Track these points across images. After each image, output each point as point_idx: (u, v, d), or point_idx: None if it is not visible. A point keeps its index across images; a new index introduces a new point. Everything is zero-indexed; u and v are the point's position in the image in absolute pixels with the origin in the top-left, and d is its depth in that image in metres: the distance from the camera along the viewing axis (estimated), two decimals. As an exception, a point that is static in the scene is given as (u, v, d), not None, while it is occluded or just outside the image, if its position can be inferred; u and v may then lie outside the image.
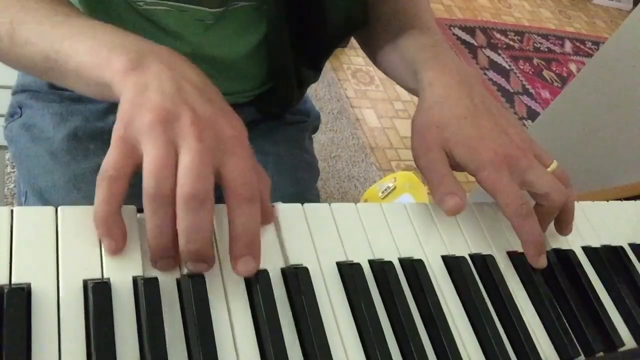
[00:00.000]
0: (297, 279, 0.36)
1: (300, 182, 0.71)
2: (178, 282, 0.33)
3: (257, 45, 0.63)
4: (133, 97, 0.34)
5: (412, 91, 0.56)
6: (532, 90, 2.43)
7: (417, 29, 0.59)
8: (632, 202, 0.60)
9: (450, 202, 0.44)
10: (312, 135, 0.85)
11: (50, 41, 0.40)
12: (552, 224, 0.48)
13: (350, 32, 0.66)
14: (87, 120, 0.62)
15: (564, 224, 0.48)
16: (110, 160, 0.32)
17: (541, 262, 0.45)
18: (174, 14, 0.56)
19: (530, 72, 2.55)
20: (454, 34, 2.58)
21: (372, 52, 0.66)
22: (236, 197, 0.33)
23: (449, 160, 0.47)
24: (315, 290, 0.36)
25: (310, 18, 0.61)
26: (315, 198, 0.76)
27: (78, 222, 0.33)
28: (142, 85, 0.34)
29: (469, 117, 0.47)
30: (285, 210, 0.40)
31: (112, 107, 0.63)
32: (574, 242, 0.51)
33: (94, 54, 0.37)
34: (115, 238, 0.32)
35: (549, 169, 0.47)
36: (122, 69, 0.35)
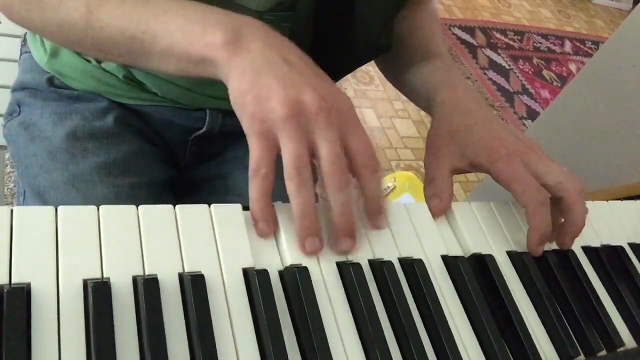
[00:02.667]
0: (297, 279, 0.36)
1: None
2: (178, 281, 0.33)
3: None
4: (250, 85, 0.36)
5: (427, 110, 0.59)
6: (532, 90, 2.43)
7: (432, 55, 0.62)
8: (632, 202, 0.60)
9: (431, 203, 0.46)
10: None
11: (135, 22, 0.40)
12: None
13: (373, 57, 0.68)
14: (86, 120, 0.62)
15: (569, 231, 0.47)
16: (259, 157, 0.36)
17: (540, 251, 0.47)
18: None
19: (530, 72, 2.55)
20: (454, 34, 2.58)
21: (389, 72, 0.69)
22: (366, 168, 0.38)
23: (459, 164, 0.49)
24: (315, 290, 0.36)
25: (337, 40, 0.62)
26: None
27: (78, 222, 0.33)
28: (253, 70, 0.36)
29: (479, 124, 0.50)
30: (285, 210, 0.40)
31: (111, 107, 0.63)
32: (574, 242, 0.50)
33: (187, 31, 0.38)
34: (269, 225, 0.37)
35: None
36: (222, 46, 0.37)
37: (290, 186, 0.36)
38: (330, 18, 0.60)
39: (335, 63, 0.66)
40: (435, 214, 0.46)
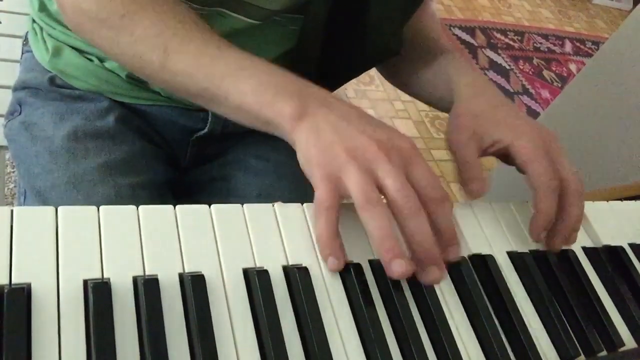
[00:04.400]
0: (297, 279, 0.36)
1: (300, 189, 0.71)
2: (178, 281, 0.33)
3: (278, 57, 0.63)
4: (315, 141, 0.39)
5: (441, 101, 0.60)
6: (532, 90, 2.43)
7: (442, 51, 0.63)
8: (632, 202, 0.60)
9: (471, 186, 0.47)
10: None
11: (210, 76, 0.43)
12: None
13: (382, 61, 0.69)
14: (87, 120, 0.62)
15: (560, 231, 0.47)
16: (323, 194, 0.38)
17: (540, 238, 0.47)
18: (212, 17, 0.56)
19: (530, 72, 2.55)
20: (454, 34, 2.58)
21: (393, 74, 0.69)
22: (433, 200, 0.39)
23: (482, 143, 0.49)
24: (315, 290, 0.36)
25: (347, 44, 0.63)
26: None
27: (78, 222, 0.33)
28: (317, 131, 0.40)
29: (504, 107, 0.51)
30: (285, 210, 0.40)
31: (112, 107, 0.63)
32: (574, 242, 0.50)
33: (259, 95, 0.42)
34: (338, 257, 0.38)
35: None
36: (290, 117, 0.40)
37: (363, 213, 0.37)
38: (342, 23, 0.60)
39: (343, 66, 0.67)
40: (475, 197, 0.46)
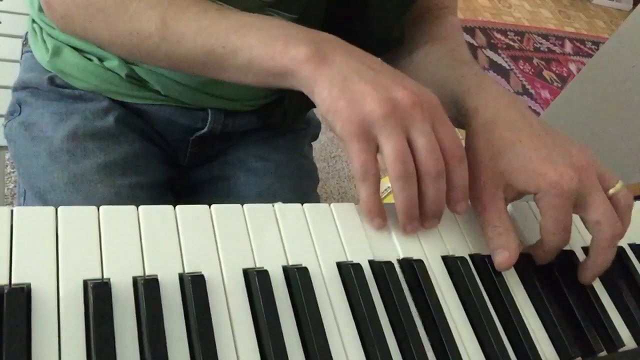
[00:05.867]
0: (297, 279, 0.36)
1: (300, 189, 0.72)
2: (178, 281, 0.33)
3: None
4: (341, 91, 0.37)
5: (455, 121, 0.52)
6: (532, 90, 2.43)
7: (458, 62, 0.57)
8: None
9: (501, 257, 0.43)
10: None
11: (214, 36, 0.41)
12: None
13: (385, 52, 0.65)
14: (87, 120, 0.62)
15: (584, 268, 0.46)
16: (364, 159, 0.38)
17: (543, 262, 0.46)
18: None
19: (530, 72, 2.55)
20: (454, 34, 2.58)
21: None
22: (454, 158, 0.40)
23: (509, 195, 0.45)
24: (315, 290, 0.36)
25: (348, 36, 0.61)
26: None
27: (78, 223, 0.33)
28: (341, 78, 0.37)
29: (524, 140, 0.44)
30: (285, 210, 0.40)
31: (111, 107, 0.63)
32: (574, 242, 0.50)
33: (268, 46, 0.39)
34: (383, 218, 0.41)
35: (612, 190, 0.44)
36: (307, 61, 0.38)
37: (397, 180, 0.38)
38: (342, 16, 0.59)
39: None
40: (502, 268, 0.43)
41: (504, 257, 0.43)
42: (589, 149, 0.46)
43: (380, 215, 0.41)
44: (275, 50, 0.39)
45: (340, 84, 0.37)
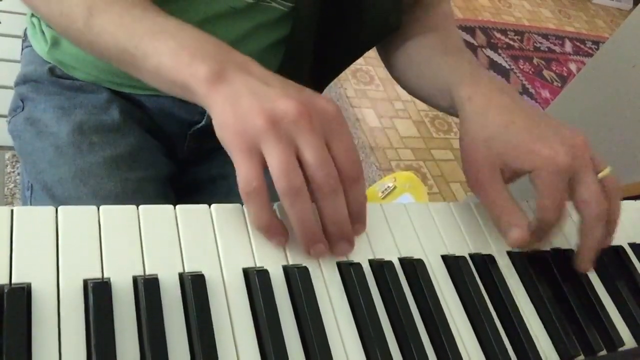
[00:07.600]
0: (297, 279, 0.36)
1: None
2: (178, 281, 0.33)
3: (272, 44, 0.62)
4: (231, 108, 0.36)
5: (448, 110, 0.54)
6: (532, 90, 2.43)
7: (450, 51, 0.59)
8: (632, 201, 0.60)
9: (514, 234, 0.43)
10: None
11: (129, 35, 0.41)
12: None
13: (382, 38, 0.66)
14: (91, 113, 0.62)
15: (586, 248, 0.45)
16: (247, 173, 0.35)
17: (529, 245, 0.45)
18: (194, 1, 0.55)
19: (530, 72, 2.55)
20: (454, 34, 2.58)
21: (401, 76, 0.66)
22: (348, 179, 0.37)
23: (505, 174, 0.45)
24: (315, 290, 0.36)
25: (345, 23, 0.61)
26: None
27: (78, 222, 0.33)
28: (234, 96, 0.37)
29: (517, 121, 0.45)
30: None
31: (112, 99, 0.63)
32: (574, 242, 0.50)
33: (175, 56, 0.39)
34: (280, 235, 0.37)
35: (600, 174, 0.45)
36: (205, 79, 0.37)
37: (283, 196, 0.36)
38: (337, 2, 0.59)
39: (342, 49, 0.66)
40: (517, 245, 0.43)
41: (516, 233, 0.43)
42: (582, 132, 0.46)
43: (275, 233, 0.37)
44: (181, 62, 0.39)
45: (233, 101, 0.37)
